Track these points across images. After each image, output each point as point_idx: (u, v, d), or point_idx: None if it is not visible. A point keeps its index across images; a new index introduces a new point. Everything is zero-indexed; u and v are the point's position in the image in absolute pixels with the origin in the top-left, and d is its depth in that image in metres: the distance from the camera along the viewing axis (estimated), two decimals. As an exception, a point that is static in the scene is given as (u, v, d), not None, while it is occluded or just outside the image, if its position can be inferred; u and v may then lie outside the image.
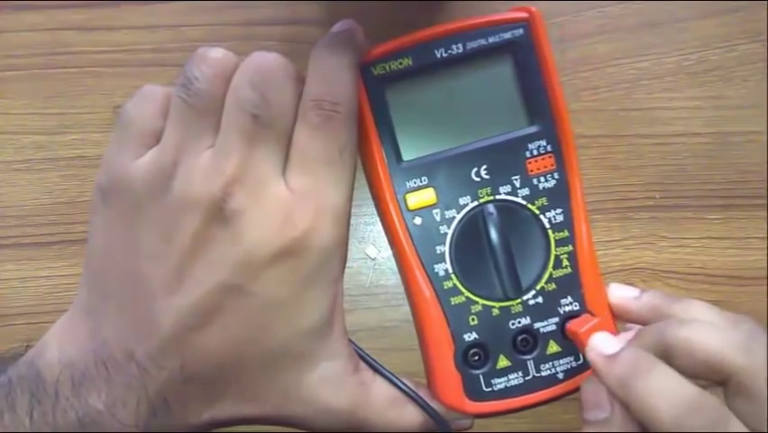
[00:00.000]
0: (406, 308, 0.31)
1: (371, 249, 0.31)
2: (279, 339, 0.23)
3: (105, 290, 0.24)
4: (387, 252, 0.31)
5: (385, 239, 0.31)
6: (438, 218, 0.28)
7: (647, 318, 0.25)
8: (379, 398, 0.26)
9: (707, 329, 0.23)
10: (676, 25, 0.32)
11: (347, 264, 0.31)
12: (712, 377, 0.22)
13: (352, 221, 0.32)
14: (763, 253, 0.31)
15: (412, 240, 0.27)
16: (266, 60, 0.24)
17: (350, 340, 0.26)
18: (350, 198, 0.24)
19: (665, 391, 0.22)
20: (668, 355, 0.23)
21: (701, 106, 0.32)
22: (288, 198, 0.23)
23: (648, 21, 0.32)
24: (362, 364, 0.26)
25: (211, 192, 0.22)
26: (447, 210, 0.28)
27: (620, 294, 0.26)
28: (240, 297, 0.22)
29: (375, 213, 0.31)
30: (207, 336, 0.23)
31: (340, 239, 0.24)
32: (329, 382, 0.25)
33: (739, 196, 0.31)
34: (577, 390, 0.27)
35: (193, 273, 0.22)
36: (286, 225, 0.22)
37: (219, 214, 0.22)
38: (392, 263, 0.31)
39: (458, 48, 0.28)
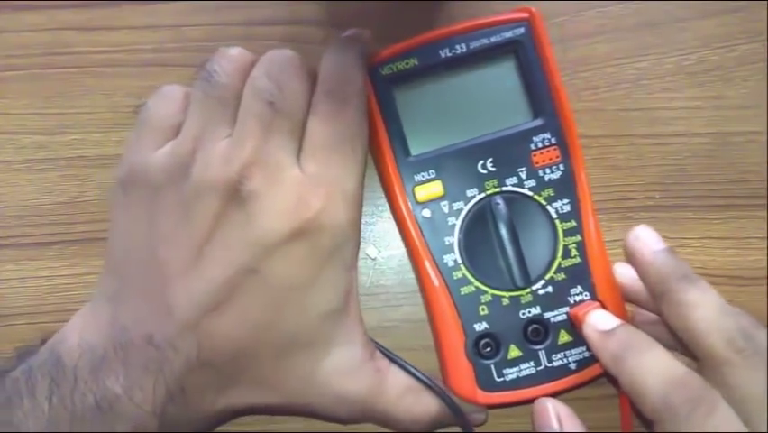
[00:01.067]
0: (407, 308, 0.31)
1: (371, 249, 0.31)
2: (295, 323, 0.24)
3: (125, 276, 0.24)
4: (387, 252, 0.31)
5: (385, 239, 0.31)
6: (446, 210, 0.28)
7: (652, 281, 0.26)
8: (395, 386, 0.26)
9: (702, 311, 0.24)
10: (676, 25, 0.33)
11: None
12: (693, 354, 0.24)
13: (352, 221, 0.32)
14: (763, 253, 0.31)
15: (421, 232, 0.28)
16: (281, 55, 0.25)
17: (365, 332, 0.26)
18: (361, 185, 0.25)
19: (655, 369, 0.22)
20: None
21: (701, 106, 0.32)
22: (303, 181, 0.24)
23: (648, 21, 0.32)
24: (378, 353, 0.27)
25: (228, 175, 0.23)
26: (455, 202, 0.28)
27: (644, 239, 0.27)
28: (256, 279, 0.23)
29: (375, 213, 0.31)
30: (223, 319, 0.23)
31: (353, 221, 0.25)
32: (345, 369, 0.25)
33: (739, 196, 0.32)
34: (591, 381, 0.27)
35: (209, 256, 0.23)
36: (300, 206, 0.23)
37: (236, 196, 0.23)
38: (392, 263, 0.31)
39: (461, 47, 0.29)
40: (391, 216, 0.30)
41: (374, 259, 0.31)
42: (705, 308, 0.23)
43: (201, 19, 0.33)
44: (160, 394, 0.23)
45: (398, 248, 0.31)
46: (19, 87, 0.33)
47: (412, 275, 0.31)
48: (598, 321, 0.25)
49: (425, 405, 0.26)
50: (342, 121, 0.25)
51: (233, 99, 0.25)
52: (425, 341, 0.30)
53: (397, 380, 0.26)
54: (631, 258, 0.27)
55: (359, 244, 0.26)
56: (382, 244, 0.31)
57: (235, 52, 0.26)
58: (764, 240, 0.31)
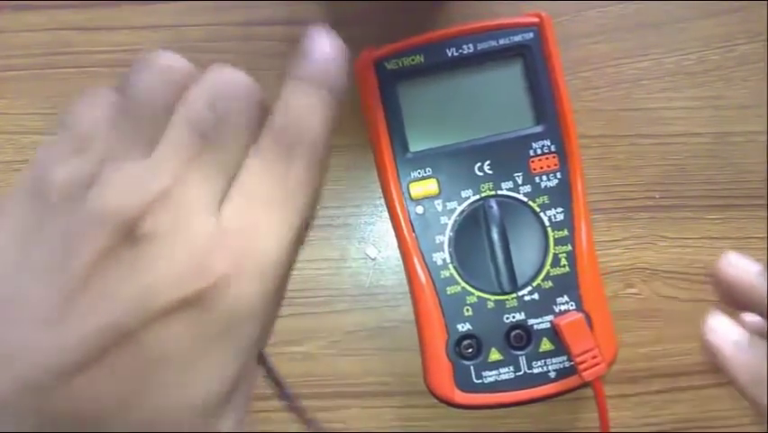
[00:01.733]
0: (406, 309, 0.31)
1: (371, 249, 0.31)
2: (158, 409, 0.20)
3: None
4: (387, 252, 0.31)
5: (385, 239, 0.31)
6: (439, 209, 0.28)
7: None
8: None
9: None
10: (676, 25, 0.32)
11: (347, 264, 0.31)
12: None
13: (352, 221, 0.32)
14: (764, 253, 0.31)
15: (413, 228, 0.28)
16: (232, 80, 0.21)
17: (261, 354, 0.22)
18: (290, 251, 0.20)
19: None
20: None
21: (701, 106, 0.32)
22: (212, 235, 0.19)
23: (648, 21, 0.32)
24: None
25: (126, 207, 0.19)
26: (449, 202, 0.28)
27: (741, 266, 0.23)
28: (129, 343, 0.19)
29: (375, 213, 0.31)
30: (75, 386, 0.19)
31: (265, 294, 0.20)
32: None
33: (739, 196, 0.32)
34: (569, 391, 0.27)
35: (81, 306, 0.19)
36: (199, 268, 0.19)
37: (130, 235, 0.19)
38: (392, 263, 0.31)
39: (468, 48, 0.29)
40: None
41: (374, 259, 0.31)
42: None
43: (201, 19, 0.33)
44: None
45: (398, 247, 0.31)
46: (19, 87, 0.33)
47: (412, 275, 0.31)
48: (728, 330, 0.23)
49: None
50: (281, 171, 0.20)
51: (154, 119, 0.20)
52: (425, 341, 0.30)
53: None
54: (731, 287, 0.24)
55: (271, 321, 0.21)
56: (382, 244, 0.31)
57: (165, 63, 0.21)
58: (764, 240, 0.31)
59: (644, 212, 0.31)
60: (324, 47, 0.21)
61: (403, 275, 0.31)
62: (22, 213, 0.20)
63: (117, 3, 0.33)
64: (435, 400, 0.29)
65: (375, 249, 0.31)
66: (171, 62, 0.21)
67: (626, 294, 0.31)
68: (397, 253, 0.31)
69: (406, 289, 0.30)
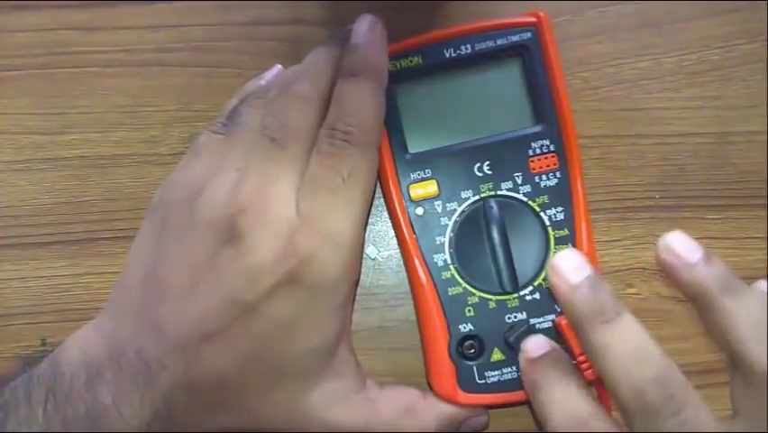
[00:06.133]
0: (406, 308, 0.31)
1: (371, 249, 0.31)
2: (282, 357, 0.24)
3: (129, 290, 0.25)
4: (387, 252, 0.31)
5: (385, 239, 0.31)
6: (439, 210, 0.28)
7: (691, 296, 0.23)
8: (390, 409, 0.26)
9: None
10: (676, 25, 0.33)
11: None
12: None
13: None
14: (763, 253, 0.31)
15: (413, 229, 0.28)
16: (294, 89, 0.25)
17: None
18: (358, 225, 0.24)
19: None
20: None
21: (701, 106, 0.32)
22: (293, 222, 0.23)
23: (648, 21, 0.32)
24: (369, 381, 0.27)
25: (224, 213, 0.24)
26: (449, 202, 0.28)
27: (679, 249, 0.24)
28: (246, 313, 0.23)
29: (375, 213, 0.31)
30: (212, 347, 0.23)
31: (343, 266, 0.24)
32: (335, 400, 0.25)
33: (739, 196, 0.32)
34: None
35: (205, 284, 0.23)
36: (287, 250, 0.23)
37: (230, 233, 0.23)
38: (392, 263, 0.31)
39: (466, 49, 0.29)
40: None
41: (374, 259, 0.31)
42: (742, 316, 0.22)
43: (201, 19, 0.33)
44: (147, 410, 0.23)
45: (398, 248, 0.31)
46: (19, 87, 0.33)
47: (412, 275, 0.31)
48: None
49: (423, 421, 0.27)
50: (337, 159, 0.24)
51: (241, 135, 0.26)
52: (425, 341, 0.30)
53: (391, 403, 0.27)
54: (666, 272, 0.25)
55: (355, 284, 0.26)
56: (382, 244, 0.31)
57: (260, 92, 0.27)
58: (764, 240, 0.31)
59: (644, 212, 0.31)
60: (367, 39, 0.25)
61: (403, 275, 0.31)
62: (155, 218, 0.26)
63: (117, 3, 0.33)
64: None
65: (375, 249, 0.31)
66: (261, 93, 0.27)
67: (626, 294, 0.31)
68: (397, 253, 0.31)
69: (407, 289, 0.31)
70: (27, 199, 0.32)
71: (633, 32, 0.32)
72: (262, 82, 0.29)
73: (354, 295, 0.26)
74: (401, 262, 0.31)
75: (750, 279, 0.31)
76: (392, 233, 0.31)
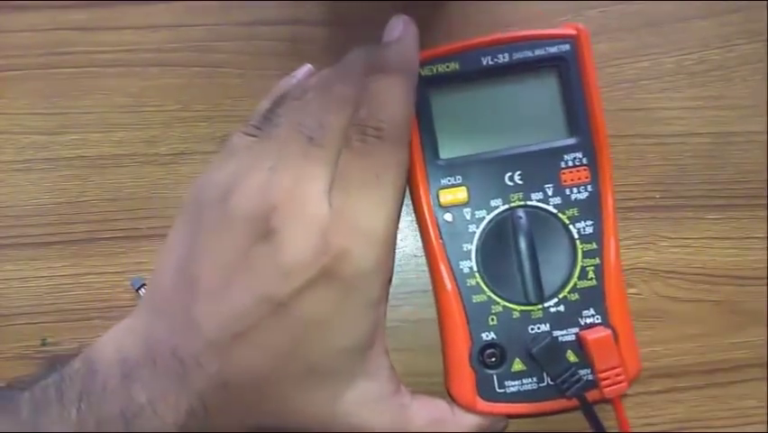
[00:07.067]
0: (406, 308, 0.31)
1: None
2: (317, 356, 0.24)
3: (163, 289, 0.25)
4: (387, 252, 0.31)
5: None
6: (468, 217, 0.28)
7: None
8: (420, 418, 0.26)
9: None
10: (676, 25, 0.33)
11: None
12: None
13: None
14: (764, 252, 0.31)
15: (440, 235, 0.28)
16: (330, 87, 0.25)
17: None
18: (391, 221, 0.24)
19: None
20: None
21: (701, 106, 0.32)
22: (326, 219, 0.23)
23: (648, 21, 0.33)
24: (403, 387, 0.27)
25: (258, 209, 0.23)
26: (477, 210, 0.28)
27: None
28: (280, 311, 0.23)
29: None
30: (246, 345, 0.23)
31: (377, 262, 0.24)
32: (368, 402, 0.25)
33: (739, 196, 0.32)
34: (594, 404, 0.27)
35: (238, 282, 0.23)
36: (321, 247, 0.23)
37: (264, 229, 0.23)
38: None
39: (504, 57, 0.28)
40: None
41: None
42: None
43: (201, 19, 0.33)
44: (182, 408, 0.23)
45: (398, 248, 0.31)
46: (19, 87, 0.33)
47: (412, 275, 0.31)
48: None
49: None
50: (368, 156, 0.24)
51: (276, 134, 0.26)
52: (425, 341, 0.30)
53: (421, 413, 0.26)
54: None
55: (389, 280, 0.25)
56: (382, 244, 0.31)
57: (297, 94, 0.27)
58: (764, 240, 0.31)
59: (644, 212, 0.31)
60: (401, 37, 0.26)
61: (405, 275, 0.31)
62: (186, 215, 0.26)
63: (117, 3, 0.33)
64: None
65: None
66: (300, 95, 0.27)
67: (627, 294, 0.31)
68: (397, 253, 0.31)
69: (408, 289, 0.31)
70: (27, 199, 0.32)
71: (633, 32, 0.32)
72: (294, 81, 0.29)
73: (388, 294, 0.25)
74: (402, 263, 0.31)
75: (750, 279, 0.31)
76: (398, 235, 0.31)
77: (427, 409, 0.26)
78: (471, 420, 0.27)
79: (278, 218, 0.23)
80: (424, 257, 0.30)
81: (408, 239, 0.31)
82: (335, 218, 0.23)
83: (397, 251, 0.31)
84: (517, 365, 0.27)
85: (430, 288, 0.29)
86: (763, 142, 0.32)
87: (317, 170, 0.24)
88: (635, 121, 0.32)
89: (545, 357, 0.27)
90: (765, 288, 0.31)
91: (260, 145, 0.26)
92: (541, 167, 0.28)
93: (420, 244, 0.30)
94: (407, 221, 0.31)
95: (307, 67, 0.29)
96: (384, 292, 0.25)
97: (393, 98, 0.24)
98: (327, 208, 0.23)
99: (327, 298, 0.23)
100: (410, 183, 0.29)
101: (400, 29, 0.25)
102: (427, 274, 0.29)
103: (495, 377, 0.27)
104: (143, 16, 0.33)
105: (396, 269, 0.31)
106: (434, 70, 0.28)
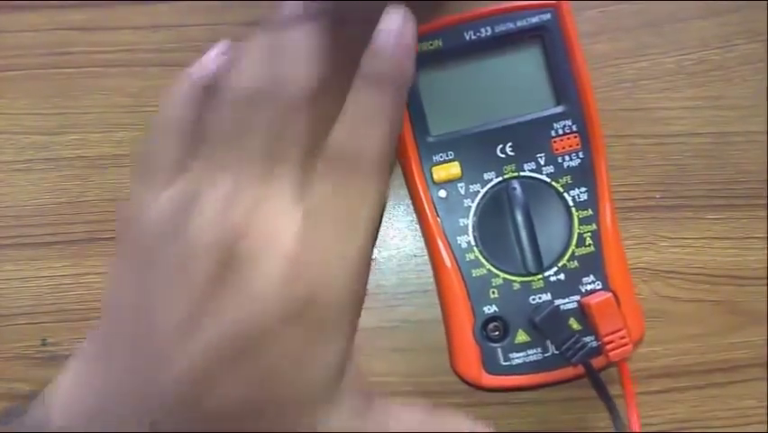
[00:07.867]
0: (406, 309, 0.31)
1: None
2: (291, 386, 0.22)
3: (119, 333, 0.22)
4: (387, 252, 0.31)
5: (384, 240, 0.31)
6: (462, 192, 0.28)
7: None
8: (408, 423, 0.26)
9: None
10: (676, 25, 0.33)
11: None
12: None
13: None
14: (764, 252, 0.31)
15: (436, 212, 0.28)
16: (292, 91, 0.22)
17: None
18: (366, 250, 0.22)
19: None
20: None
21: (701, 106, 0.32)
22: (297, 247, 0.21)
23: (648, 21, 0.32)
24: (378, 398, 0.26)
25: (222, 235, 0.21)
26: (472, 184, 0.28)
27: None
28: (250, 347, 0.21)
29: (375, 213, 0.31)
30: (218, 382, 0.22)
31: (353, 293, 0.22)
32: (348, 421, 0.24)
33: (739, 196, 0.32)
34: (598, 371, 0.27)
35: (205, 319, 0.21)
36: (292, 279, 0.21)
37: (231, 256, 0.21)
38: (392, 264, 0.31)
39: (486, 31, 0.29)
40: (391, 218, 0.30)
41: (374, 259, 0.31)
42: None
43: (202, 19, 0.33)
44: None
45: (398, 248, 0.31)
46: (19, 87, 0.33)
47: (412, 275, 0.31)
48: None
49: (446, 429, 0.26)
50: (349, 190, 0.21)
51: (227, 143, 0.22)
52: (425, 341, 0.30)
53: (406, 417, 0.26)
54: None
55: (360, 309, 0.24)
56: (382, 245, 0.31)
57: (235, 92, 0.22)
58: (764, 240, 0.31)
59: (644, 212, 0.31)
60: (398, 42, 0.22)
61: (403, 275, 0.31)
62: (135, 250, 0.22)
63: (117, 3, 0.33)
64: (437, 400, 0.29)
65: (375, 249, 0.31)
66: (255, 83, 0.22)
67: (626, 258, 0.31)
68: (397, 254, 0.31)
69: (407, 289, 0.31)
70: (27, 199, 0.32)
71: (633, 32, 0.32)
72: (212, 69, 0.24)
73: (358, 317, 0.24)
74: (401, 263, 0.31)
75: (750, 279, 0.31)
76: (392, 233, 0.31)
77: (407, 415, 0.26)
78: (453, 423, 0.27)
79: (244, 247, 0.21)
80: (423, 257, 0.30)
81: (408, 239, 0.31)
82: (306, 249, 0.21)
83: (396, 251, 0.31)
84: (521, 337, 0.27)
85: (430, 288, 0.29)
86: (763, 142, 0.32)
87: (282, 188, 0.21)
88: (635, 121, 0.32)
89: (549, 326, 0.27)
90: (765, 288, 0.31)
91: (204, 170, 0.22)
92: (531, 137, 0.28)
93: (420, 244, 0.30)
94: (407, 221, 0.31)
95: (225, 44, 0.24)
96: (356, 317, 0.24)
97: (380, 122, 0.21)
98: (297, 236, 0.21)
99: (297, 336, 0.21)
100: (402, 163, 0.29)
101: (398, 30, 0.22)
102: (427, 274, 0.29)
103: (499, 350, 0.27)
104: (143, 16, 0.33)
105: (396, 269, 0.31)
106: (418, 49, 0.28)
